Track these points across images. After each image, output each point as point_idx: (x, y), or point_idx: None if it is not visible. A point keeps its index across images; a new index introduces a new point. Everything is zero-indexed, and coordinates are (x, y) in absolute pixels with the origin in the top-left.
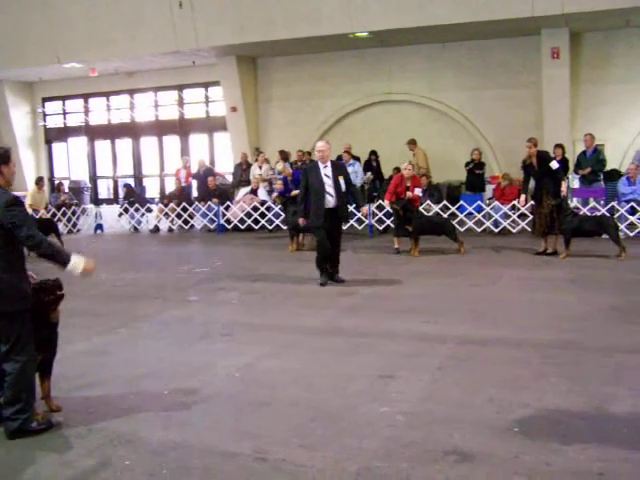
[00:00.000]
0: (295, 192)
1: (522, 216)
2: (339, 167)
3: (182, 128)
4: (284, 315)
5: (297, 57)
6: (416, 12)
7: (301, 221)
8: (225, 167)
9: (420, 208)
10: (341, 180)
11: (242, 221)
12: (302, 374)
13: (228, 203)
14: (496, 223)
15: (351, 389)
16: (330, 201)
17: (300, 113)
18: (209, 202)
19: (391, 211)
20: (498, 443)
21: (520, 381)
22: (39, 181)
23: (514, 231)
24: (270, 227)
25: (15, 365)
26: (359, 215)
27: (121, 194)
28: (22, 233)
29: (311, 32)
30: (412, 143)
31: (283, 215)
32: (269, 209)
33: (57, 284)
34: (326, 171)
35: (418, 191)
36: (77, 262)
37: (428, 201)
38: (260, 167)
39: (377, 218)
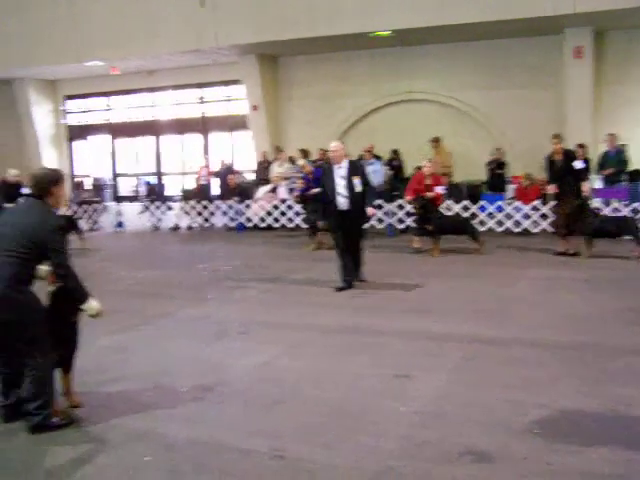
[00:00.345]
0: (315, 190)
1: (543, 216)
2: (355, 167)
3: (203, 126)
4: (300, 314)
5: (318, 56)
6: (436, 11)
7: (320, 224)
8: (245, 165)
9: (441, 207)
10: (356, 180)
11: (262, 219)
12: (318, 372)
13: (248, 201)
14: (517, 223)
15: (366, 388)
16: (343, 203)
17: (320, 112)
18: (229, 200)
19: (412, 210)
20: (515, 443)
21: (535, 382)
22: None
23: (535, 231)
24: (290, 225)
25: (34, 362)
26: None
27: (142, 192)
28: (57, 259)
29: (332, 31)
30: (435, 141)
31: (303, 214)
32: (289, 207)
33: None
34: (340, 172)
35: (440, 189)
36: (94, 305)
37: (449, 200)
38: (280, 165)
39: (397, 217)
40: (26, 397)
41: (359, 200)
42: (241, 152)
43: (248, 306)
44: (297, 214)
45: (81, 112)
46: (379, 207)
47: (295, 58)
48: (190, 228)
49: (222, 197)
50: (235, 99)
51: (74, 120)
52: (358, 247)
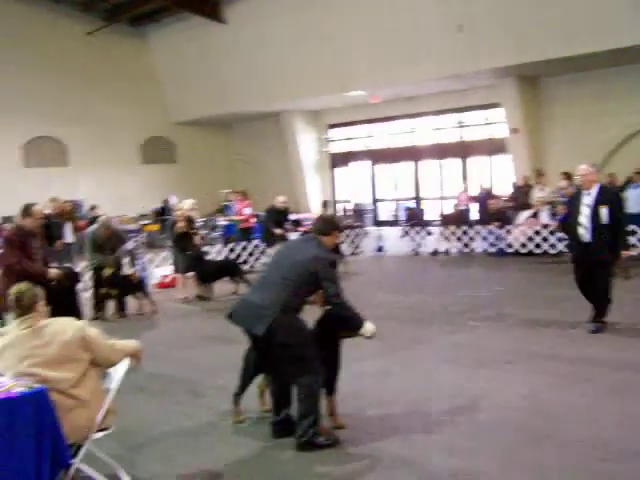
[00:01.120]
0: None
1: None
2: (606, 194)
3: (462, 151)
4: (568, 344)
5: (580, 74)
6: None
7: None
8: (504, 190)
9: None
10: (603, 210)
11: (523, 245)
12: (588, 409)
13: (508, 226)
14: None
15: None
16: (584, 235)
17: (583, 132)
18: (489, 225)
19: None
20: None
21: None
22: (325, 205)
23: None
24: (552, 252)
25: (304, 382)
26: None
27: (402, 216)
28: (330, 290)
29: (595, 47)
30: None
31: (566, 239)
32: (552, 233)
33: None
34: (587, 199)
35: None
36: (369, 328)
37: None
38: (542, 189)
39: None
40: (297, 415)
41: (604, 233)
42: (500, 176)
43: (512, 334)
44: (559, 240)
45: (343, 140)
46: (633, 233)
47: (556, 77)
48: (448, 253)
49: (481, 222)
50: (494, 122)
51: (336, 148)
52: (600, 284)
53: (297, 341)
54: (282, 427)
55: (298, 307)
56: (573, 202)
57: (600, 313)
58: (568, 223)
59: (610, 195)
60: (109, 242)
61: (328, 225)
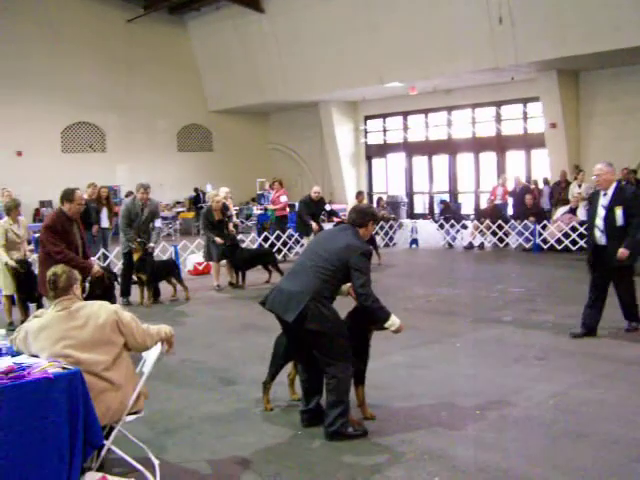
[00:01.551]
0: None
1: None
2: (622, 195)
3: (499, 145)
4: (601, 343)
5: (624, 69)
6: None
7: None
8: (541, 185)
9: None
10: (618, 211)
11: (559, 241)
12: (622, 408)
13: (545, 222)
14: None
15: None
16: (599, 237)
17: (625, 128)
18: (525, 220)
19: None
20: None
21: None
22: (359, 195)
23: None
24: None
25: (335, 372)
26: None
27: (436, 209)
28: (360, 280)
29: (639, 41)
30: None
31: None
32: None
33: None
34: (604, 200)
35: None
36: (396, 321)
37: None
38: (580, 185)
39: None
40: (326, 404)
41: (621, 235)
42: (538, 171)
43: (545, 331)
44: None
45: (379, 131)
46: None
47: (598, 72)
48: (483, 247)
49: (517, 217)
50: (533, 117)
51: (373, 139)
52: (623, 288)
53: (328, 329)
54: (311, 416)
55: (330, 296)
56: (591, 203)
57: (632, 316)
58: (587, 225)
59: (626, 194)
60: (142, 215)
61: (364, 215)
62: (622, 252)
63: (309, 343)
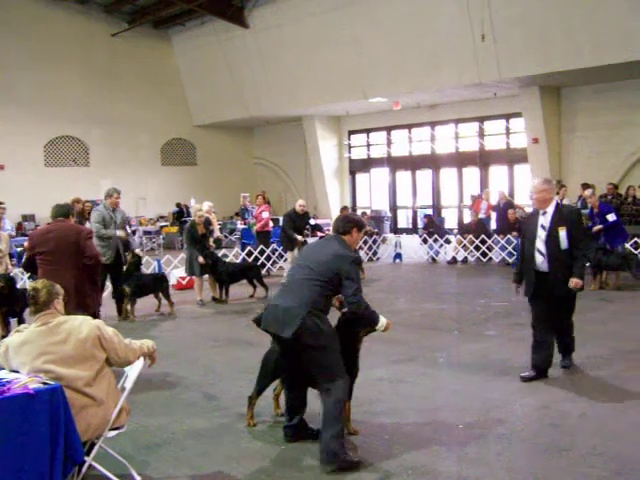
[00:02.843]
0: (598, 227)
1: None
2: (565, 214)
3: (482, 160)
4: (585, 357)
5: (604, 85)
6: None
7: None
8: (525, 200)
9: None
10: (562, 233)
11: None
12: (604, 421)
13: None
14: None
15: None
16: (541, 262)
17: (607, 144)
18: (508, 235)
19: None
20: None
21: None
22: (343, 210)
23: None
24: None
25: (332, 389)
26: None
27: (420, 224)
28: (351, 288)
29: (621, 58)
30: None
31: None
32: None
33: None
34: (543, 220)
35: None
36: (383, 321)
37: None
38: (562, 200)
39: None
40: (323, 425)
41: (565, 260)
42: (521, 186)
43: (529, 345)
44: None
45: (363, 146)
46: None
47: (579, 88)
48: (466, 262)
49: (500, 231)
50: (515, 132)
51: (356, 154)
52: (564, 322)
53: (325, 344)
54: (295, 432)
55: (325, 308)
56: (528, 224)
57: (568, 350)
58: (523, 249)
59: (569, 214)
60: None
61: (347, 222)
62: (576, 282)
63: (306, 359)
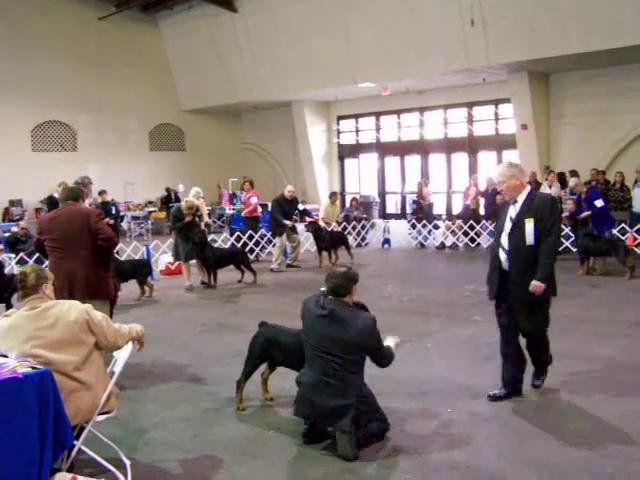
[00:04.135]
0: (586, 213)
1: None
2: (536, 203)
3: (470, 145)
4: (574, 342)
5: (593, 71)
6: None
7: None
8: None
9: None
10: (527, 225)
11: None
12: (593, 406)
13: None
14: None
15: None
16: (503, 259)
17: (595, 130)
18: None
19: None
20: None
21: None
22: (332, 195)
23: None
24: (559, 249)
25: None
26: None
27: (409, 210)
28: (380, 356)
29: (609, 44)
30: None
31: (573, 237)
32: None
33: None
34: (513, 210)
35: None
36: (393, 346)
37: None
38: (550, 186)
39: None
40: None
41: (528, 258)
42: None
43: None
44: (566, 237)
45: (352, 131)
46: None
47: (568, 74)
48: (455, 247)
49: (488, 217)
50: (504, 118)
51: (345, 139)
52: (532, 337)
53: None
54: (314, 434)
55: (362, 381)
56: (499, 215)
57: (541, 367)
58: (493, 244)
59: (541, 203)
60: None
61: (347, 282)
62: (535, 285)
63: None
